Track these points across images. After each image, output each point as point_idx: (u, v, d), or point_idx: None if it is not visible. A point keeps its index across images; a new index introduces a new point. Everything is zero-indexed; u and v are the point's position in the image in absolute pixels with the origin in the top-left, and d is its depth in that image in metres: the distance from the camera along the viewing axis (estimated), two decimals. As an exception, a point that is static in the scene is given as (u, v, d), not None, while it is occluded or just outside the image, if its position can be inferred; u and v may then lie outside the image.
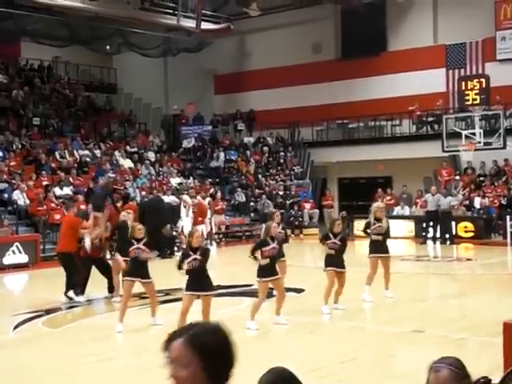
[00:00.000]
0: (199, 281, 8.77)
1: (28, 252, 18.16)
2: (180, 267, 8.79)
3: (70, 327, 10.55)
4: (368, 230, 11.94)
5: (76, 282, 12.43)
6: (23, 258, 18.08)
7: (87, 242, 12.39)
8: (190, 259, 8.72)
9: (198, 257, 8.74)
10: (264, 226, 10.22)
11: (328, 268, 10.66)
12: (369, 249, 11.89)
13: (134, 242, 9.84)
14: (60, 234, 13.18)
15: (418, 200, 23.90)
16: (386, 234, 11.97)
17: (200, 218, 20.64)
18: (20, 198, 20.51)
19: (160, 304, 12.01)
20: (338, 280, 10.67)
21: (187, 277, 8.78)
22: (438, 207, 21.94)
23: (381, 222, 11.88)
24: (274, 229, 9.78)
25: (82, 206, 14.17)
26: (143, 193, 22.90)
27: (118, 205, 15.33)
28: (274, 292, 10.05)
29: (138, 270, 9.86)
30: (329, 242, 10.71)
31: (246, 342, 8.76)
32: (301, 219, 25.32)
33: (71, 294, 12.39)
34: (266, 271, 9.54)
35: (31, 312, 11.41)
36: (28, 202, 20.57)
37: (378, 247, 11.79)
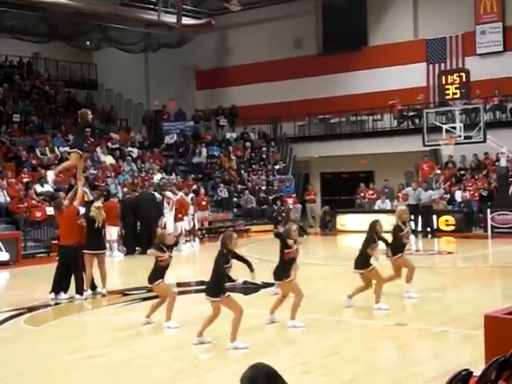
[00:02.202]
0: None
1: (9, 250, 18.01)
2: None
3: (52, 325, 10.49)
4: (400, 234, 11.44)
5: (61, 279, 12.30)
6: (4, 256, 17.93)
7: (50, 176, 12.24)
8: (229, 263, 8.41)
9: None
10: (284, 229, 9.89)
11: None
12: (395, 250, 11.41)
13: (164, 248, 9.64)
14: (60, 230, 12.98)
15: (399, 194, 24.04)
16: None
17: (180, 215, 20.63)
18: (0, 196, 20.33)
19: (142, 301, 12.00)
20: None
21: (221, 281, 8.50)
22: (419, 201, 22.10)
23: (406, 225, 11.64)
24: (294, 233, 9.54)
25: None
26: (125, 189, 22.81)
27: (99, 202, 15.21)
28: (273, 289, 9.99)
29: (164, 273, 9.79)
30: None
31: (227, 339, 8.78)
32: (283, 214, 25.31)
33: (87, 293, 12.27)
34: (287, 272, 9.42)
35: (13, 310, 11.33)
36: (8, 199, 20.40)
37: (402, 249, 11.60)
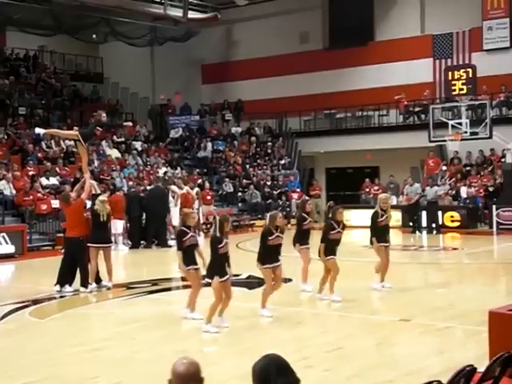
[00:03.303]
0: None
1: (15, 242, 18.07)
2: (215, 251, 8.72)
3: (57, 317, 10.52)
4: (378, 220, 11.83)
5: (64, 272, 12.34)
6: (10, 249, 17.99)
7: (40, 130, 12.67)
8: (223, 243, 8.69)
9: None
10: (269, 215, 9.93)
11: (330, 257, 10.66)
12: (375, 238, 11.70)
13: (186, 230, 9.41)
14: (66, 222, 13.03)
15: (403, 190, 24.02)
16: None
17: (184, 210, 20.64)
18: (6, 188, 20.38)
19: (147, 294, 12.03)
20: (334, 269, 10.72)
21: (217, 263, 8.67)
22: (420, 197, 22.18)
23: (386, 212, 11.88)
24: (279, 219, 9.68)
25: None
26: (130, 183, 22.84)
27: (106, 195, 15.23)
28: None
29: (194, 257, 9.41)
30: (333, 231, 10.70)
31: (231, 332, 8.79)
32: (288, 209, 25.33)
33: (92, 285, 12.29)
34: (268, 258, 9.53)
35: (18, 302, 11.36)
36: (14, 192, 20.45)
37: (385, 237, 11.80)
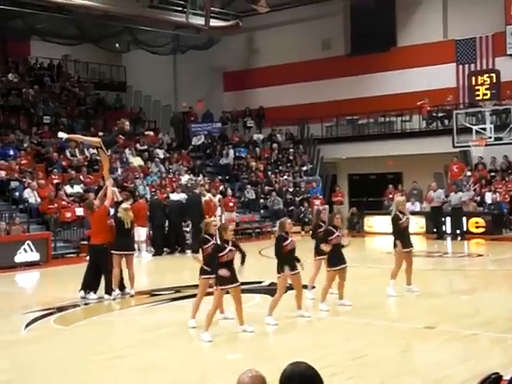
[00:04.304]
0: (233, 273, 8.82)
1: (39, 250, 18.24)
2: (213, 259, 8.78)
3: (81, 325, 10.59)
4: (400, 222, 11.78)
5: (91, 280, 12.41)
6: (35, 256, 18.16)
7: (63, 135, 12.91)
8: (226, 251, 8.73)
9: (233, 248, 8.83)
10: (279, 222, 10.12)
11: (335, 268, 10.59)
12: (398, 242, 11.67)
13: (209, 238, 9.53)
14: (91, 230, 13.14)
15: (427, 196, 23.88)
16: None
17: (207, 216, 20.70)
18: (31, 197, 20.59)
19: (170, 301, 12.07)
20: (340, 275, 10.67)
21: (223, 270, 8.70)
22: (443, 203, 22.03)
23: (404, 215, 11.85)
24: (288, 225, 9.82)
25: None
26: (153, 190, 22.95)
27: (128, 203, 15.33)
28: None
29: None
30: (332, 237, 10.64)
31: (255, 339, 8.77)
32: (310, 216, 25.27)
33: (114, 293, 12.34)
34: (286, 266, 9.55)
35: (43, 310, 11.46)
36: (39, 200, 20.65)
37: (407, 241, 11.75)
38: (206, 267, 9.36)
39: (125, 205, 12.79)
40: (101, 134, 14.04)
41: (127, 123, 13.40)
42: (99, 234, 12.40)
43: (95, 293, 12.35)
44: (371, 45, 28.56)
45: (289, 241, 9.70)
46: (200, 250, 9.63)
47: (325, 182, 28.47)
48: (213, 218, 10.17)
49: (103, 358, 8.20)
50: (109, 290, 12.27)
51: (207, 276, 9.36)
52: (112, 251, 12.30)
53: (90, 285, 12.38)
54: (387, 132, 28.17)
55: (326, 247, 10.51)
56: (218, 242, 8.91)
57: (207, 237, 9.55)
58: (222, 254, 8.74)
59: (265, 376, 3.18)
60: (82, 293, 12.31)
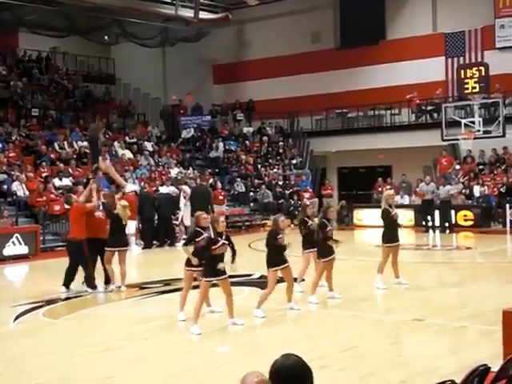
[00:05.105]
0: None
1: (28, 243, 18.18)
2: (209, 252, 8.77)
3: (70, 318, 10.57)
4: (390, 214, 11.81)
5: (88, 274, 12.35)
6: (23, 249, 18.10)
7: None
8: (219, 244, 8.73)
9: (226, 242, 8.85)
10: (273, 218, 10.20)
11: (327, 258, 10.63)
12: (385, 237, 11.75)
13: (201, 231, 9.42)
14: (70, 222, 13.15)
15: (416, 189, 23.95)
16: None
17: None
18: (19, 189, 20.50)
19: (160, 294, 12.06)
20: (328, 267, 10.72)
21: (208, 263, 8.74)
22: (434, 196, 22.07)
23: (393, 208, 11.90)
24: (281, 223, 9.84)
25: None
26: (142, 183, 22.89)
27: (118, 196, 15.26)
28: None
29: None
30: (327, 229, 10.67)
31: (244, 332, 8.79)
32: (300, 209, 25.30)
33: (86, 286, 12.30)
34: (275, 260, 9.56)
35: (32, 303, 11.42)
36: (27, 193, 20.57)
37: (395, 235, 11.80)
38: (195, 260, 9.32)
39: (123, 202, 12.73)
40: (90, 176, 13.73)
41: (98, 126, 13.45)
42: (74, 229, 12.39)
43: (68, 288, 12.25)
44: (361, 38, 28.55)
45: (280, 236, 9.69)
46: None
47: (314, 175, 28.49)
48: (202, 212, 10.07)
49: (93, 350, 8.19)
50: (91, 284, 12.21)
51: (192, 268, 9.36)
52: (106, 248, 12.23)
53: (69, 279, 12.31)
54: (376, 125, 28.20)
55: (331, 243, 10.63)
56: (212, 236, 8.87)
57: (199, 230, 9.51)
58: (215, 246, 8.74)
59: (269, 381, 3.14)
60: (64, 289, 12.26)
